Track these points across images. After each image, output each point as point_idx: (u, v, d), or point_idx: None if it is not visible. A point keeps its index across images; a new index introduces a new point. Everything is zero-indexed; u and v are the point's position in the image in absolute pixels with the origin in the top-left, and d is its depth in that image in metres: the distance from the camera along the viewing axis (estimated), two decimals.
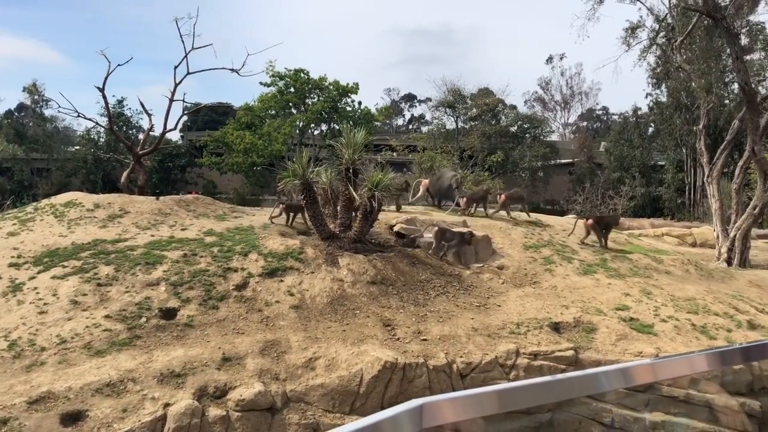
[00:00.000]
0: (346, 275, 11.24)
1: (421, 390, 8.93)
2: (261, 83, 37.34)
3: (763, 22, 28.46)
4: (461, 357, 9.36)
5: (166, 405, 7.88)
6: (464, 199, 16.62)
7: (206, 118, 57.92)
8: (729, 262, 16.58)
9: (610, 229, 15.51)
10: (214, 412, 8.04)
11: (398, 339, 9.68)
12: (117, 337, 9.10)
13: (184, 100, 18.76)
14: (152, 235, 12.34)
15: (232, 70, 18.94)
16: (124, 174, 17.65)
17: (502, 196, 16.71)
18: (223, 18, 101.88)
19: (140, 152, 17.80)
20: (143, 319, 9.56)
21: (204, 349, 9.02)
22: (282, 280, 10.89)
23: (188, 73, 18.28)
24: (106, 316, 9.49)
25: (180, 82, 18.13)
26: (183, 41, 18.10)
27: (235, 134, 35.29)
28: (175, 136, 55.32)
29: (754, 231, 19.32)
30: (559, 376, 1.65)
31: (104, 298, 9.98)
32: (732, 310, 11.74)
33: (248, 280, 10.77)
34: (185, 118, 26.11)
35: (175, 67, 18.17)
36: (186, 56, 18.08)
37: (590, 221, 15.14)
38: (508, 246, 13.86)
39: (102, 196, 14.74)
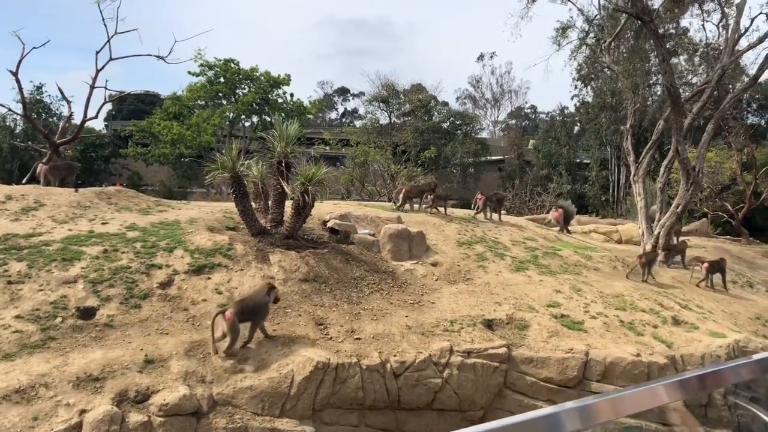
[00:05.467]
0: (277, 272, 10.89)
1: (354, 390, 8.73)
2: (190, 72, 36.27)
3: (687, 28, 29.58)
4: (395, 356, 9.20)
5: (82, 411, 7.37)
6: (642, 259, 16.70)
7: (132, 107, 56.05)
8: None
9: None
10: (135, 418, 7.58)
11: (331, 338, 9.43)
12: (29, 338, 8.48)
13: (106, 87, 17.88)
14: (70, 230, 11.62)
15: (159, 57, 18.16)
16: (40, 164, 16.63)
17: None
18: (148, 2, 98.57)
19: (58, 141, 16.83)
20: (59, 320, 8.95)
21: (125, 350, 8.52)
22: (209, 278, 10.44)
23: (111, 59, 17.41)
24: (17, 317, 8.83)
25: (102, 68, 17.27)
26: (105, 25, 17.24)
27: (162, 124, 34.24)
28: (99, 125, 53.27)
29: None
30: (520, 417, 1.49)
31: (15, 297, 9.29)
32: (657, 306, 12.04)
33: (173, 278, 10.27)
34: (108, 106, 25.01)
35: (97, 52, 17.30)
36: (109, 41, 17.23)
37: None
38: (442, 242, 13.80)
39: (15, 187, 13.81)
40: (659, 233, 17.14)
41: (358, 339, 9.50)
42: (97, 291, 9.65)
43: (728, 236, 30.12)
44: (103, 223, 12.15)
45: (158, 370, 8.26)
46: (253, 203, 12.61)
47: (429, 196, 16.39)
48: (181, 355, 8.55)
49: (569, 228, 19.52)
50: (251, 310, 8.89)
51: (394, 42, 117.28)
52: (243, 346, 8.86)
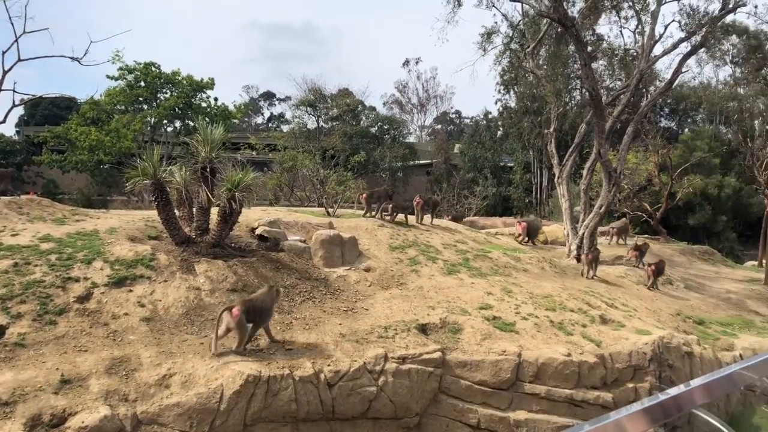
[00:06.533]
0: (203, 283, 10.47)
1: (287, 403, 8.44)
2: (108, 77, 34.84)
3: (602, 34, 30.65)
4: (329, 365, 8.96)
5: None
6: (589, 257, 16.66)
7: (46, 112, 53.52)
8: (578, 258, 17.49)
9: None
10: None
11: (262, 350, 9.11)
12: None
13: (14, 90, 16.87)
14: None
15: (73, 58, 17.34)
16: None
17: None
18: (61, 1, 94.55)
19: None
20: None
21: (38, 371, 7.95)
22: (131, 290, 9.92)
23: (20, 60, 16.47)
24: None
25: (9, 70, 16.34)
26: (13, 24, 16.31)
27: (80, 130, 32.79)
28: (9, 130, 50.55)
29: (599, 228, 20.64)
30: None
31: None
32: (585, 305, 12.27)
33: (92, 291, 9.70)
34: (19, 110, 23.72)
35: (3, 53, 16.32)
36: (17, 40, 16.29)
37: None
38: (374, 247, 13.66)
39: None
40: (584, 233, 17.57)
41: (290, 350, 9.21)
42: (6, 308, 8.98)
43: (647, 235, 31.31)
44: (13, 235, 11.38)
45: (76, 390, 7.74)
46: (176, 211, 12.10)
47: (388, 205, 16.03)
48: (101, 373, 8.05)
49: (534, 241, 20.65)
50: (258, 311, 9.03)
51: (319, 46, 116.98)
52: (240, 345, 8.90)
